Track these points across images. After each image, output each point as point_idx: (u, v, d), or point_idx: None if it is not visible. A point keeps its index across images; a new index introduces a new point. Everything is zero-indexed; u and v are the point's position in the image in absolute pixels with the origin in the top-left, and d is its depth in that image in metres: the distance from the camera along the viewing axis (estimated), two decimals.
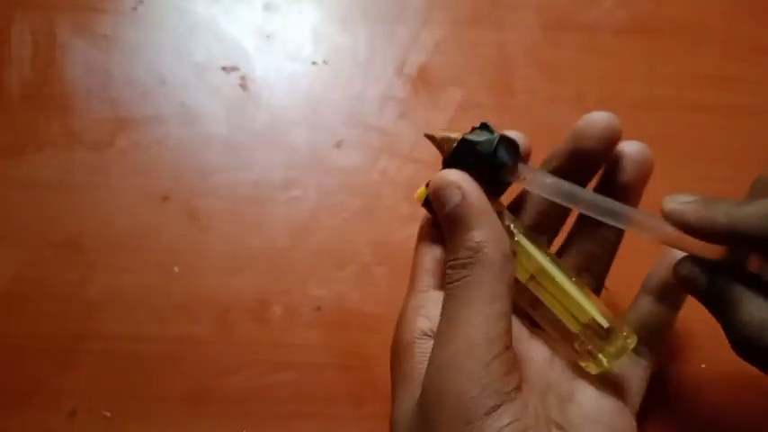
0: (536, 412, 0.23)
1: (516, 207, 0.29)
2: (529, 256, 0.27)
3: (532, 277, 0.27)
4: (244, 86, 0.43)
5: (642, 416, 0.29)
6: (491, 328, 0.23)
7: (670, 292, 0.29)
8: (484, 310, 0.23)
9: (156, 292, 0.38)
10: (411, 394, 0.25)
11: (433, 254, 0.28)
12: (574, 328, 0.26)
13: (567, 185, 0.26)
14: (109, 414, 0.36)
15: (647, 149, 0.28)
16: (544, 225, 0.29)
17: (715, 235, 0.24)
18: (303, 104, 0.43)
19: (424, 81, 0.44)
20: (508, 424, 0.22)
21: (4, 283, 0.38)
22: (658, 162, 0.29)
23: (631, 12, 0.46)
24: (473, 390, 0.22)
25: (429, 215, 0.29)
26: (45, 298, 0.38)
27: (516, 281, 0.27)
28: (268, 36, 0.45)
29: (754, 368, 0.24)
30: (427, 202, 0.27)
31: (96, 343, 0.37)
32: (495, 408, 0.22)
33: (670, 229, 0.24)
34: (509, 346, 0.23)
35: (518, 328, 0.28)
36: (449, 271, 0.25)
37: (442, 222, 0.26)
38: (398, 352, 0.27)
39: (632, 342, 0.26)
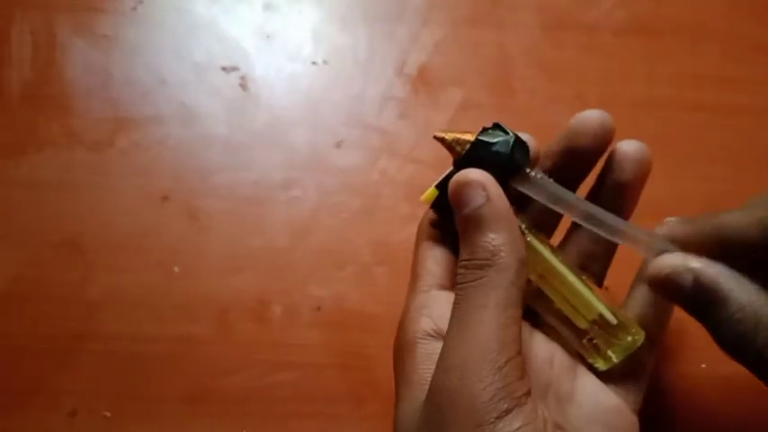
0: (545, 416, 0.23)
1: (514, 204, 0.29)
2: (537, 254, 0.27)
3: (541, 275, 0.27)
4: (244, 86, 0.43)
5: (642, 416, 0.29)
6: (504, 333, 0.23)
7: None
8: (497, 314, 0.23)
9: (156, 292, 0.38)
10: (414, 394, 0.25)
11: (434, 254, 0.28)
12: (582, 324, 0.26)
13: (566, 195, 0.26)
14: (109, 414, 0.36)
15: (646, 148, 0.28)
16: (543, 223, 0.29)
17: (703, 241, 0.24)
18: (303, 104, 0.43)
19: (424, 81, 0.44)
20: (518, 428, 0.21)
21: (4, 283, 0.38)
22: (658, 162, 0.29)
23: (631, 12, 0.46)
24: (485, 394, 0.22)
25: (433, 216, 0.28)
26: (45, 298, 0.38)
27: (529, 281, 0.27)
28: (268, 36, 0.45)
29: None
30: (436, 204, 0.27)
31: (96, 343, 0.37)
32: (507, 412, 0.22)
33: (662, 245, 0.24)
34: (520, 351, 0.23)
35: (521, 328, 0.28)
36: (461, 271, 0.24)
37: (459, 222, 0.25)
38: (401, 352, 0.27)
39: (640, 337, 0.26)
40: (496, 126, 0.26)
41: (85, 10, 0.44)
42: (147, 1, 0.45)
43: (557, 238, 0.31)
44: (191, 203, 0.40)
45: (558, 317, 0.27)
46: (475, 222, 0.24)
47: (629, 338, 0.26)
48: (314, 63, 0.44)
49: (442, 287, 0.27)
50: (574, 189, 0.28)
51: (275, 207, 0.40)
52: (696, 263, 0.23)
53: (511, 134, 0.26)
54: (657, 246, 0.25)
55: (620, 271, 0.30)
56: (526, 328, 0.29)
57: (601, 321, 0.26)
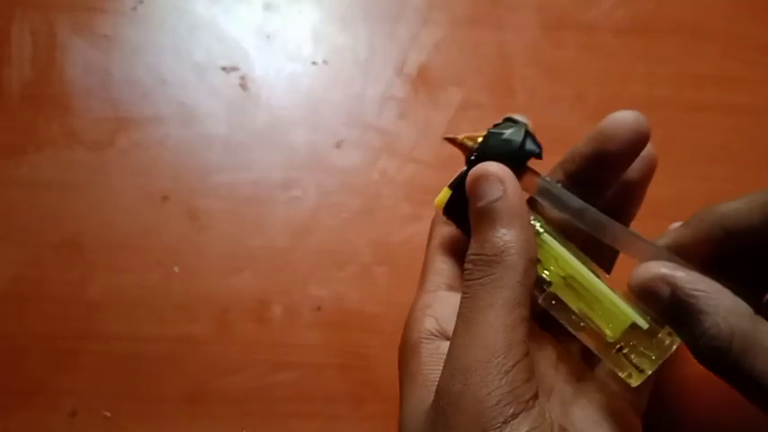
0: (551, 420, 0.23)
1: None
2: (557, 256, 0.25)
3: (564, 279, 0.25)
4: (244, 86, 0.43)
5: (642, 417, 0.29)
6: (511, 335, 0.22)
7: None
8: (504, 315, 0.22)
9: (156, 292, 0.38)
10: (418, 395, 0.24)
11: (443, 254, 0.28)
12: (611, 334, 0.24)
13: (573, 202, 0.25)
14: (109, 414, 0.36)
15: (651, 146, 0.27)
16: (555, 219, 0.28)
17: (704, 234, 0.23)
18: (303, 104, 0.43)
19: (424, 81, 0.44)
20: None
21: (4, 283, 0.38)
22: (658, 162, 0.29)
23: (631, 12, 0.46)
24: (491, 398, 0.21)
25: (447, 220, 0.27)
26: (45, 298, 0.38)
27: (546, 283, 0.25)
28: (268, 36, 0.45)
29: None
30: (448, 207, 0.27)
31: (96, 343, 0.37)
32: (514, 416, 0.21)
33: (660, 253, 0.24)
34: (527, 353, 0.22)
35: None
36: (468, 266, 0.24)
37: (472, 215, 0.25)
38: (406, 352, 0.26)
39: (675, 342, 0.24)
40: (507, 119, 0.26)
41: (85, 10, 0.44)
42: (147, 1, 0.45)
43: None
44: (191, 203, 0.40)
45: (579, 327, 0.25)
46: (488, 216, 0.24)
47: (663, 345, 0.24)
48: (314, 63, 0.44)
49: (451, 288, 0.27)
50: (601, 194, 0.27)
51: (275, 207, 0.40)
52: (675, 272, 0.22)
53: (522, 123, 0.26)
54: (659, 257, 0.24)
55: (621, 271, 0.30)
56: (535, 330, 0.28)
57: (632, 329, 0.24)
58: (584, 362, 0.28)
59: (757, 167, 0.42)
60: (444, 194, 0.27)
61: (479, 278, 0.23)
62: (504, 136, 0.25)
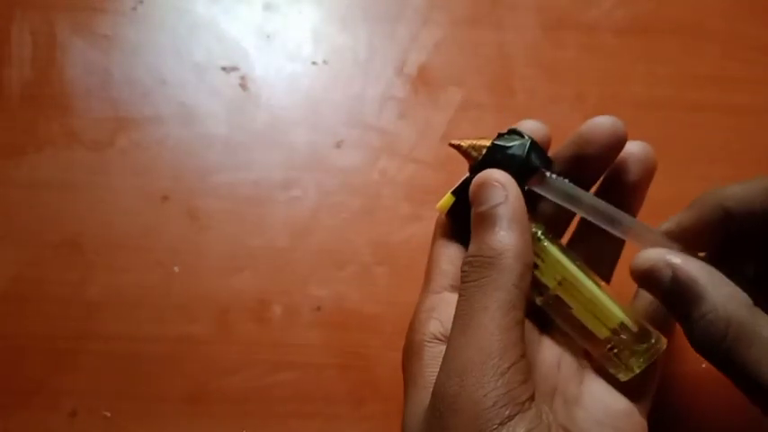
0: (549, 421, 0.23)
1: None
2: (555, 260, 0.26)
3: (559, 283, 0.26)
4: (244, 86, 0.43)
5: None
6: (506, 337, 0.22)
7: None
8: (500, 317, 0.23)
9: (156, 292, 0.38)
10: (420, 398, 0.24)
11: (449, 255, 0.28)
12: (602, 334, 0.26)
13: (576, 192, 0.26)
14: (109, 414, 0.36)
15: (651, 149, 0.28)
16: (552, 225, 0.29)
17: (706, 216, 0.23)
18: (303, 104, 0.43)
19: (424, 81, 0.44)
20: None
21: (4, 283, 0.38)
22: (658, 162, 0.29)
23: (631, 12, 0.46)
24: (487, 400, 0.21)
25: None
26: (45, 298, 0.38)
27: (544, 288, 0.26)
28: (268, 36, 0.45)
29: None
30: (451, 212, 0.27)
31: (96, 343, 0.37)
32: (510, 418, 0.21)
33: (667, 244, 0.24)
34: (523, 355, 0.23)
35: (528, 330, 0.28)
36: (465, 268, 0.24)
37: (473, 219, 0.25)
38: (409, 354, 0.26)
39: (663, 345, 0.26)
40: (512, 131, 0.27)
41: (85, 10, 0.44)
42: (147, 1, 0.45)
43: (564, 238, 0.31)
44: (191, 203, 0.40)
45: (575, 326, 0.26)
46: (488, 220, 0.24)
47: (651, 346, 0.25)
48: (314, 63, 0.44)
49: (456, 289, 0.27)
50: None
51: (275, 207, 0.40)
52: (677, 258, 0.23)
53: (527, 137, 0.26)
54: (665, 246, 0.24)
55: (624, 270, 0.30)
56: (534, 330, 0.28)
57: (622, 330, 0.26)
58: (587, 363, 0.28)
59: (757, 167, 0.42)
60: (447, 200, 0.27)
61: (475, 280, 0.24)
62: (509, 151, 0.26)
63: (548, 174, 0.26)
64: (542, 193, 0.27)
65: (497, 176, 0.25)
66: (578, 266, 0.26)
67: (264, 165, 0.41)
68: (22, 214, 0.39)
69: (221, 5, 0.45)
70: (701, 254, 0.25)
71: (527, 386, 0.22)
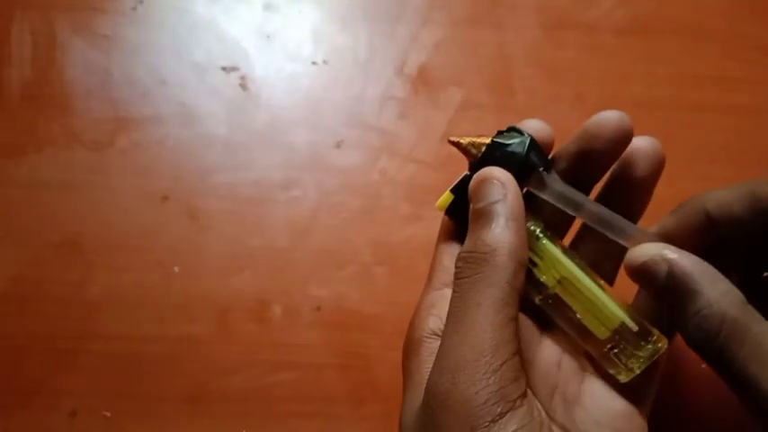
0: (541, 418, 0.23)
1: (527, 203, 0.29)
2: (554, 260, 0.26)
3: (559, 281, 0.26)
4: (244, 86, 0.43)
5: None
6: (499, 334, 0.22)
7: None
8: (492, 314, 0.22)
9: (156, 292, 0.38)
10: (416, 393, 0.24)
11: (452, 252, 0.28)
12: (602, 334, 0.26)
13: (576, 196, 0.26)
14: (109, 414, 0.36)
15: (659, 144, 0.27)
16: (556, 223, 0.28)
17: (689, 221, 0.24)
18: (303, 104, 0.43)
19: (424, 81, 0.44)
20: (513, 431, 0.21)
21: (4, 283, 0.38)
22: None
23: (631, 12, 0.46)
24: (479, 397, 0.21)
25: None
26: (45, 298, 0.38)
27: (543, 287, 0.26)
28: (268, 36, 0.45)
29: None
30: (450, 210, 0.27)
31: (96, 343, 0.37)
32: (501, 415, 0.21)
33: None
34: (516, 352, 0.23)
35: (528, 329, 0.28)
36: (459, 264, 0.24)
37: (471, 215, 0.25)
38: (408, 351, 0.26)
39: (663, 344, 0.25)
40: (511, 129, 0.27)
41: (85, 10, 0.44)
42: (147, 1, 0.45)
43: (569, 236, 0.31)
44: (191, 203, 0.40)
45: (575, 326, 0.26)
46: (485, 216, 0.24)
47: (652, 347, 0.25)
48: (314, 63, 0.44)
49: None
50: (588, 190, 0.28)
51: (275, 207, 0.40)
52: (673, 254, 0.23)
53: (526, 135, 0.26)
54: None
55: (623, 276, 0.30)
56: (534, 329, 0.28)
57: (622, 330, 0.25)
58: (588, 362, 0.28)
59: (757, 167, 0.42)
60: (445, 198, 0.27)
61: (469, 276, 0.24)
62: (508, 148, 0.26)
63: (546, 176, 0.26)
64: (540, 196, 0.26)
65: (497, 174, 0.25)
66: (578, 265, 0.26)
67: (264, 165, 0.41)
68: (22, 214, 0.39)
69: (221, 5, 0.45)
70: None
71: (519, 384, 0.22)
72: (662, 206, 0.29)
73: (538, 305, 0.27)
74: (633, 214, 0.28)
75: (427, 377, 0.24)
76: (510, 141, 0.26)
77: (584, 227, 0.30)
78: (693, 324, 0.22)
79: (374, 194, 0.41)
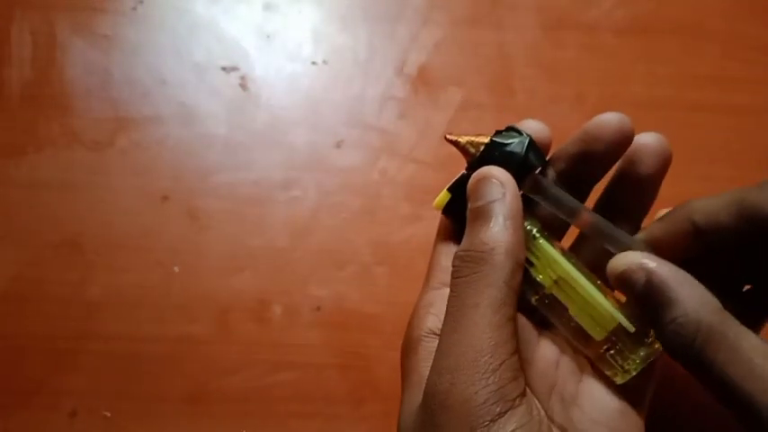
0: (540, 417, 0.23)
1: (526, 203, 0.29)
2: (551, 260, 0.26)
3: (555, 282, 0.26)
4: (244, 86, 0.43)
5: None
6: (497, 334, 0.22)
7: None
8: (490, 314, 0.23)
9: (156, 292, 0.38)
10: (414, 393, 0.24)
11: (449, 251, 0.27)
12: (598, 335, 0.25)
13: (570, 202, 0.26)
14: (109, 414, 0.36)
15: (666, 141, 0.27)
16: (554, 222, 0.29)
17: (676, 228, 0.24)
18: (303, 104, 0.43)
19: (424, 81, 0.44)
20: (512, 431, 0.21)
21: (4, 283, 0.38)
22: None
23: (631, 12, 0.46)
24: (478, 397, 0.21)
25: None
26: (45, 298, 0.38)
27: (539, 286, 0.26)
28: (268, 36, 0.45)
29: None
30: (447, 209, 0.27)
31: (96, 343, 0.37)
32: (501, 414, 0.21)
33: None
34: (514, 352, 0.23)
35: (526, 328, 0.28)
36: (456, 263, 0.24)
37: (469, 214, 0.25)
38: (407, 350, 0.26)
39: (660, 347, 0.25)
40: (510, 128, 0.27)
41: (85, 10, 0.44)
42: (147, 1, 0.45)
43: (571, 237, 0.31)
44: (191, 203, 0.40)
45: (571, 327, 0.26)
46: (483, 215, 0.24)
47: (648, 348, 0.25)
48: (314, 63, 0.44)
49: None
50: (586, 191, 0.28)
51: (275, 207, 0.40)
52: (652, 263, 0.23)
53: (525, 135, 0.26)
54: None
55: None
56: (532, 328, 0.28)
57: (618, 331, 0.25)
58: (586, 361, 0.28)
59: (757, 167, 0.42)
60: (443, 197, 0.27)
61: (466, 275, 0.24)
62: (507, 148, 0.26)
63: (541, 179, 0.26)
64: (536, 199, 0.26)
65: (496, 173, 0.25)
66: (574, 265, 0.26)
67: (264, 165, 0.41)
68: (22, 214, 0.39)
69: (221, 5, 0.45)
70: None
71: (518, 383, 0.22)
72: (662, 206, 0.29)
73: (534, 305, 0.27)
74: (640, 211, 0.28)
75: (425, 376, 0.24)
76: (509, 141, 0.26)
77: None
78: (670, 331, 0.22)
79: (374, 194, 0.41)
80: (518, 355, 0.23)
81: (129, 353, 0.37)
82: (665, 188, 0.29)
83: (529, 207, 0.27)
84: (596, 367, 0.28)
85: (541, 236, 0.26)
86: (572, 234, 0.31)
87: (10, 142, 0.41)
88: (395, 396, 0.33)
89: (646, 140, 0.27)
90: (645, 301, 0.23)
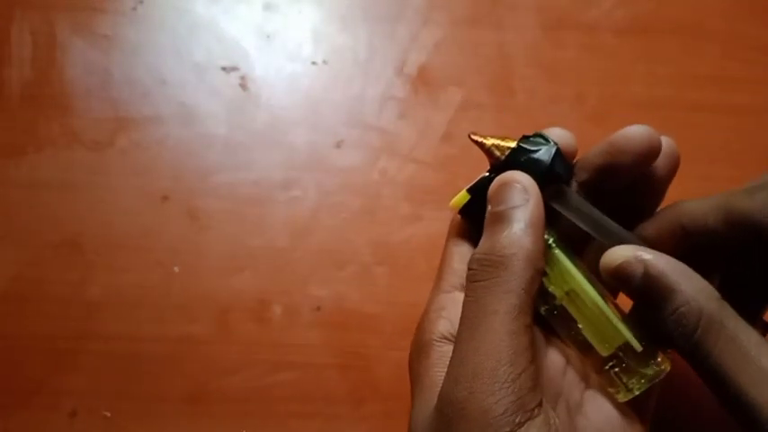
0: (556, 426, 0.23)
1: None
2: (565, 270, 0.26)
3: (567, 293, 0.26)
4: (244, 86, 0.43)
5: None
6: (517, 342, 0.22)
7: None
8: (509, 321, 0.22)
9: (156, 292, 0.38)
10: (426, 397, 0.24)
11: (462, 253, 0.27)
12: (604, 351, 0.25)
13: (594, 214, 0.26)
14: (109, 414, 0.36)
15: (675, 144, 0.27)
16: (572, 234, 0.28)
17: (664, 230, 0.24)
18: (303, 104, 0.43)
19: (424, 81, 0.44)
20: None
21: (4, 283, 0.38)
22: None
23: (631, 12, 0.46)
24: (498, 407, 0.21)
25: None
26: (45, 298, 0.38)
27: (550, 297, 0.26)
28: (268, 36, 0.45)
29: None
30: (465, 210, 0.27)
31: (96, 343, 0.37)
32: (520, 425, 0.21)
33: None
34: (532, 360, 0.22)
35: (536, 336, 0.28)
36: (473, 266, 0.24)
37: (489, 217, 0.25)
38: (417, 353, 0.26)
39: (666, 368, 0.25)
40: (537, 135, 0.26)
41: (85, 10, 0.44)
42: (147, 1, 0.45)
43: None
44: (191, 203, 0.40)
45: (577, 340, 0.26)
46: (505, 219, 0.24)
47: (655, 368, 0.25)
48: (314, 63, 0.44)
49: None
50: (608, 202, 0.27)
51: (275, 207, 0.40)
52: (647, 254, 0.23)
53: (552, 143, 0.26)
54: None
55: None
56: (540, 336, 0.28)
57: (625, 349, 0.25)
58: (591, 369, 0.28)
59: (758, 167, 0.42)
60: (461, 197, 0.27)
61: (484, 279, 0.23)
62: (534, 155, 0.26)
63: (566, 190, 0.26)
64: (558, 209, 0.26)
65: (521, 179, 0.25)
66: (588, 279, 0.26)
67: (264, 165, 0.41)
68: (22, 214, 0.39)
69: (221, 5, 0.45)
70: None
71: (536, 393, 0.22)
72: (662, 206, 0.29)
73: (542, 315, 0.27)
74: (648, 210, 0.28)
75: (438, 380, 0.23)
76: (535, 148, 0.26)
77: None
78: (672, 321, 0.22)
79: (374, 194, 0.41)
80: (535, 363, 0.23)
81: (129, 353, 0.37)
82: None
83: (547, 216, 0.26)
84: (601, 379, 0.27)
85: (557, 246, 0.26)
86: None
87: (10, 142, 0.41)
88: (395, 396, 0.33)
89: None
90: (643, 294, 0.23)
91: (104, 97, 0.42)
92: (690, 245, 0.25)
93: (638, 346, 0.25)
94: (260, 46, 0.44)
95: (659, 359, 0.25)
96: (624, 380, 0.25)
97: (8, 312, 0.37)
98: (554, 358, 0.27)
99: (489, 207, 0.25)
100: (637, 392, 0.25)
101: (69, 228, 0.39)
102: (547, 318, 0.26)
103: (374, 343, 0.37)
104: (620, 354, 0.25)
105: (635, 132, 0.25)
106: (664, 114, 0.43)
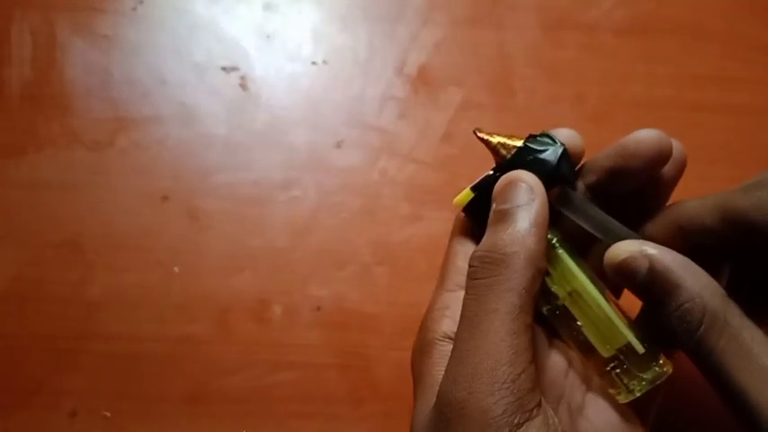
0: (555, 426, 0.23)
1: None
2: (567, 271, 0.26)
3: (569, 294, 0.26)
4: (244, 86, 0.43)
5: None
6: (517, 342, 0.22)
7: None
8: (510, 321, 0.22)
9: (156, 292, 0.38)
10: (426, 397, 0.24)
11: (466, 252, 0.27)
12: (606, 352, 0.25)
13: (600, 216, 0.26)
14: (109, 414, 0.36)
15: (682, 147, 0.27)
16: (575, 235, 0.27)
17: (664, 230, 0.24)
18: (303, 104, 0.43)
19: (424, 81, 0.44)
20: None
21: (4, 283, 0.38)
22: None
23: (631, 12, 0.46)
24: (497, 408, 0.21)
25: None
26: (45, 298, 0.38)
27: (553, 297, 0.26)
28: (268, 36, 0.45)
29: None
30: (469, 208, 0.26)
31: (96, 343, 0.37)
32: (519, 425, 0.21)
33: None
34: (532, 361, 0.22)
35: (538, 336, 0.27)
36: (475, 263, 0.23)
37: (493, 215, 0.25)
38: (420, 352, 0.26)
39: (668, 370, 0.25)
40: (544, 135, 0.26)
41: (85, 10, 0.44)
42: (147, 1, 0.45)
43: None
44: (191, 203, 0.40)
45: (579, 341, 0.26)
46: (509, 218, 0.24)
47: (656, 370, 0.25)
48: (314, 63, 0.44)
49: None
50: (616, 206, 0.27)
51: (275, 207, 0.40)
52: (653, 249, 0.23)
53: (559, 144, 0.26)
54: None
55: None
56: (543, 336, 0.28)
57: (627, 350, 0.25)
58: (593, 371, 0.28)
59: (757, 167, 0.41)
60: (465, 195, 0.26)
61: (485, 278, 0.23)
62: (540, 155, 0.25)
63: (571, 192, 0.26)
64: (562, 211, 0.26)
65: (526, 178, 0.25)
66: (591, 280, 0.26)
67: (264, 165, 0.41)
68: (22, 214, 0.39)
69: (221, 5, 0.45)
70: None
71: (535, 393, 0.22)
72: None
73: (545, 314, 0.27)
74: (653, 211, 0.28)
75: (440, 380, 0.23)
76: (542, 148, 0.25)
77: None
78: (676, 317, 0.22)
79: (374, 194, 0.41)
80: (534, 363, 0.23)
81: (129, 353, 0.37)
82: None
83: (552, 217, 0.26)
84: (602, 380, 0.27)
85: (561, 246, 0.26)
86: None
87: (10, 142, 0.41)
88: (395, 396, 0.33)
89: None
90: (648, 289, 0.23)
91: (104, 97, 0.42)
92: (690, 245, 0.25)
93: (639, 348, 0.25)
94: (260, 46, 0.44)
95: (661, 361, 0.25)
96: (625, 381, 0.25)
97: (8, 312, 0.37)
98: (556, 360, 0.27)
99: (494, 205, 0.25)
100: (638, 394, 0.25)
101: (69, 228, 0.39)
102: (549, 318, 0.26)
103: (374, 343, 0.37)
104: (622, 355, 0.25)
105: (646, 136, 0.25)
106: (664, 114, 0.43)
